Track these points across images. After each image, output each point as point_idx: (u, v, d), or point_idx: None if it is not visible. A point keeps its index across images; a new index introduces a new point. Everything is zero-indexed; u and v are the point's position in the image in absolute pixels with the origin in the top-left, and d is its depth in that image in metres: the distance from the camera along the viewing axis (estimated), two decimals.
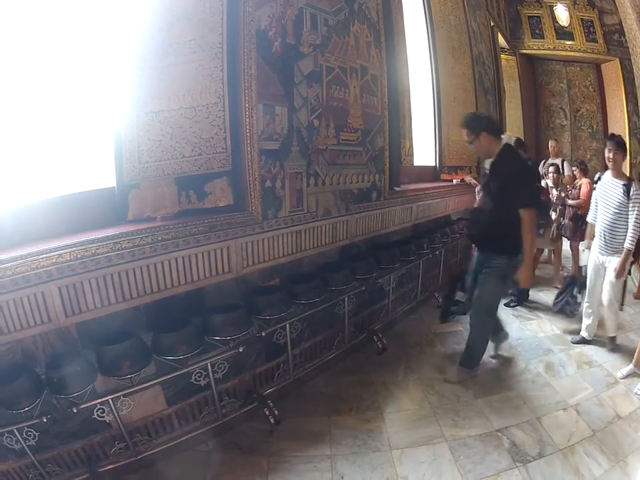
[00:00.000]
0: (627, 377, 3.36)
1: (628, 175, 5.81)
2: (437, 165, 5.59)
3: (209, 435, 2.71)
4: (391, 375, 3.46)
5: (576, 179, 5.81)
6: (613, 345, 3.97)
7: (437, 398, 3.18)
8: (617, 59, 7.57)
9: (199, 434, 2.67)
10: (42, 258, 2.08)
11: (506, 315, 4.60)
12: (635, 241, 3.58)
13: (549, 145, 6.67)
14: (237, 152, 2.79)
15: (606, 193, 3.76)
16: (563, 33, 7.84)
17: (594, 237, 4.01)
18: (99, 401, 2.28)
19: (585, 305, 4.14)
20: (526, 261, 3.18)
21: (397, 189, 4.34)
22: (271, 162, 2.96)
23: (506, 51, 8.28)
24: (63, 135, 2.40)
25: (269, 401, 2.85)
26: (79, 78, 2.39)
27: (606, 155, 3.77)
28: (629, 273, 5.40)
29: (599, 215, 3.86)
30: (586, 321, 4.12)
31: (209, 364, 2.60)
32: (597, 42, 7.55)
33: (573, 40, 7.76)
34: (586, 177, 5.56)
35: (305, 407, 3.05)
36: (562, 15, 7.58)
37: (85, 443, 2.39)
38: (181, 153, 2.60)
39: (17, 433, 2.09)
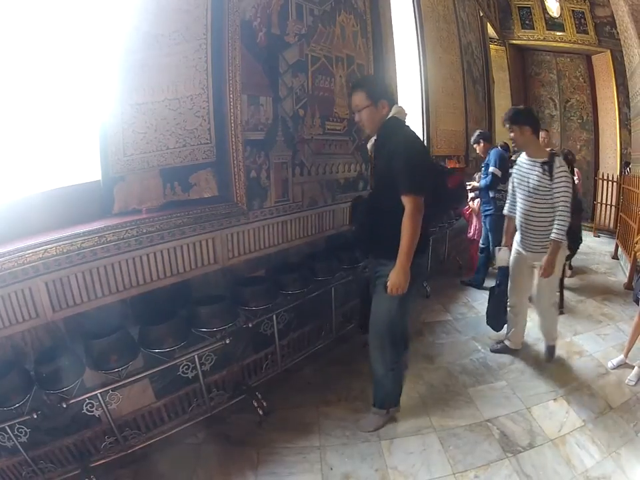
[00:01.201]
0: (617, 367, 3.36)
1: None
2: None
3: (198, 427, 2.75)
4: None
5: None
6: (551, 356, 3.60)
7: (425, 388, 3.22)
8: (608, 51, 7.62)
9: (188, 426, 2.71)
10: (28, 253, 2.12)
11: None
12: (565, 230, 3.01)
13: (539, 136, 6.73)
14: (221, 143, 2.82)
15: (523, 176, 3.21)
16: (553, 24, 7.87)
17: (513, 233, 3.51)
18: (88, 395, 2.33)
19: (508, 309, 3.65)
20: (401, 261, 2.40)
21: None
22: (255, 152, 3.01)
23: (495, 41, 8.33)
24: (47, 129, 2.41)
25: (257, 393, 2.90)
26: (63, 71, 2.40)
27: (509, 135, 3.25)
28: (570, 268, 5.38)
29: (517, 204, 3.31)
30: (510, 328, 3.70)
31: (196, 356, 2.65)
32: (588, 33, 7.58)
33: (563, 31, 7.79)
34: (573, 167, 5.61)
35: (293, 398, 3.09)
36: (552, 6, 7.62)
37: (76, 439, 2.43)
38: (166, 145, 2.63)
39: (8, 430, 2.13)
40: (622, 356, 3.41)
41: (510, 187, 3.47)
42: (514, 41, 8.50)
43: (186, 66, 2.62)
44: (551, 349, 3.61)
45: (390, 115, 2.53)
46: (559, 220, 3.02)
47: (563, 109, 8.85)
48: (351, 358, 3.61)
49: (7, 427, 2.12)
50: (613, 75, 7.78)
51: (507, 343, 3.73)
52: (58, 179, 2.46)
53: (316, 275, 3.34)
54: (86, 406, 2.38)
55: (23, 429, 2.20)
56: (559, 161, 3.04)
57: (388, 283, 2.46)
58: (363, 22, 3.84)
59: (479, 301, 4.78)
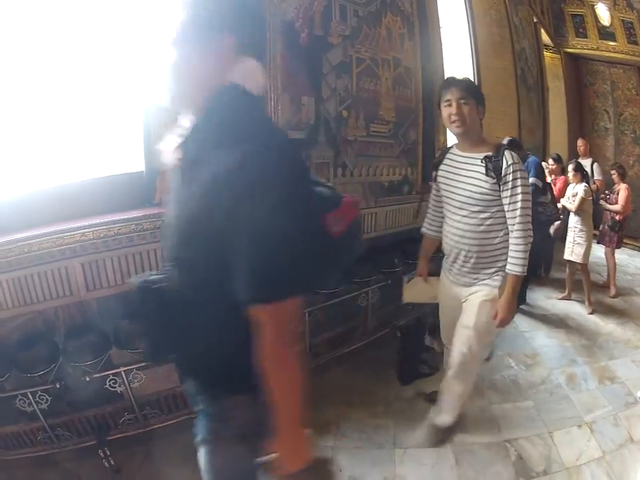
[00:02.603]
0: None
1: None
2: None
3: None
4: None
5: (614, 184, 5.19)
6: (439, 438, 2.52)
7: None
8: None
9: None
10: (66, 236, 2.19)
11: (535, 320, 4.30)
12: (526, 258, 2.05)
13: (577, 144, 6.22)
14: None
15: (453, 179, 2.20)
16: (605, 33, 7.19)
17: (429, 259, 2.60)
18: (112, 372, 2.36)
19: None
20: (287, 436, 1.06)
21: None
22: None
23: (550, 49, 7.79)
24: (97, 121, 2.48)
25: None
26: (111, 67, 2.47)
27: (446, 114, 2.13)
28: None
29: (446, 219, 2.31)
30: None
31: None
32: (638, 44, 7.00)
33: (615, 41, 7.17)
34: (624, 182, 5.05)
35: (317, 397, 2.94)
36: (603, 14, 7.01)
37: (97, 412, 2.47)
38: None
39: (30, 396, 2.21)
40: None
41: (432, 195, 2.54)
42: (568, 49, 7.91)
43: None
44: (441, 432, 2.51)
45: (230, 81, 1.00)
46: (518, 244, 2.04)
47: (617, 121, 8.16)
48: (381, 363, 3.41)
49: (28, 393, 2.20)
50: None
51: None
52: (105, 168, 2.53)
53: (351, 277, 3.19)
54: (109, 382, 2.40)
55: (44, 396, 2.26)
56: (510, 156, 2.00)
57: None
58: (410, 24, 3.68)
59: (519, 315, 4.33)
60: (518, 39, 5.74)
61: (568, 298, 4.73)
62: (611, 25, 6.99)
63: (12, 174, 2.29)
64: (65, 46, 2.29)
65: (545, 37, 7.26)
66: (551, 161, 5.22)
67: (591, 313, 4.45)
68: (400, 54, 3.59)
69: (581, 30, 7.50)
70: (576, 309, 4.55)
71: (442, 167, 2.30)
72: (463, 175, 2.14)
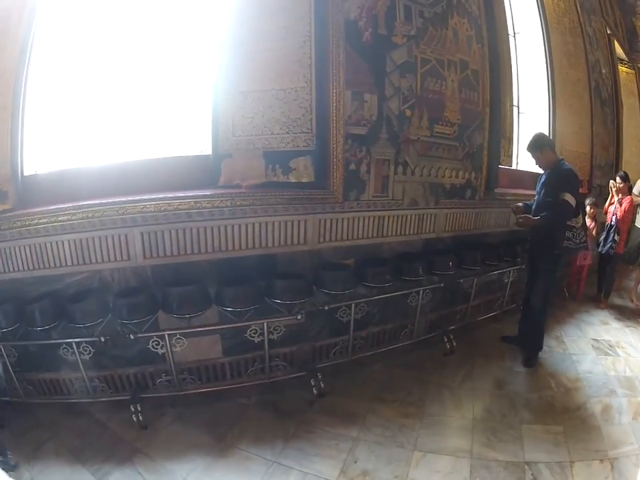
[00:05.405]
0: None
1: None
2: None
3: (254, 391, 2.62)
4: (448, 379, 3.01)
5: None
6: None
7: (482, 412, 2.70)
8: None
9: (245, 387, 2.60)
10: (128, 206, 2.27)
11: (586, 344, 3.70)
12: None
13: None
14: (321, 134, 2.69)
15: None
16: None
17: None
18: (156, 333, 2.35)
19: None
20: None
21: (495, 190, 3.80)
22: (357, 146, 2.80)
23: (625, 63, 6.71)
24: (172, 107, 2.65)
25: (318, 374, 2.66)
26: (185, 62, 2.64)
27: None
28: None
29: None
30: None
31: (265, 324, 2.51)
32: None
33: None
34: None
35: (352, 388, 2.80)
36: None
37: (136, 370, 2.47)
38: (270, 130, 2.62)
39: (74, 346, 2.27)
40: None
41: None
42: None
43: (291, 60, 2.58)
44: None
45: None
46: None
47: None
48: (424, 365, 3.16)
49: (73, 343, 2.26)
50: None
51: None
52: (178, 149, 2.68)
53: (403, 274, 2.97)
54: (152, 342, 2.39)
55: (88, 347, 2.31)
56: None
57: None
58: (478, 27, 3.37)
59: (572, 337, 3.83)
60: (592, 49, 5.12)
61: None
62: None
63: (94, 147, 2.47)
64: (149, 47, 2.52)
65: (620, 50, 6.43)
66: (618, 179, 4.39)
67: None
68: (467, 56, 3.30)
69: None
70: (628, 338, 3.89)
71: None
72: None
